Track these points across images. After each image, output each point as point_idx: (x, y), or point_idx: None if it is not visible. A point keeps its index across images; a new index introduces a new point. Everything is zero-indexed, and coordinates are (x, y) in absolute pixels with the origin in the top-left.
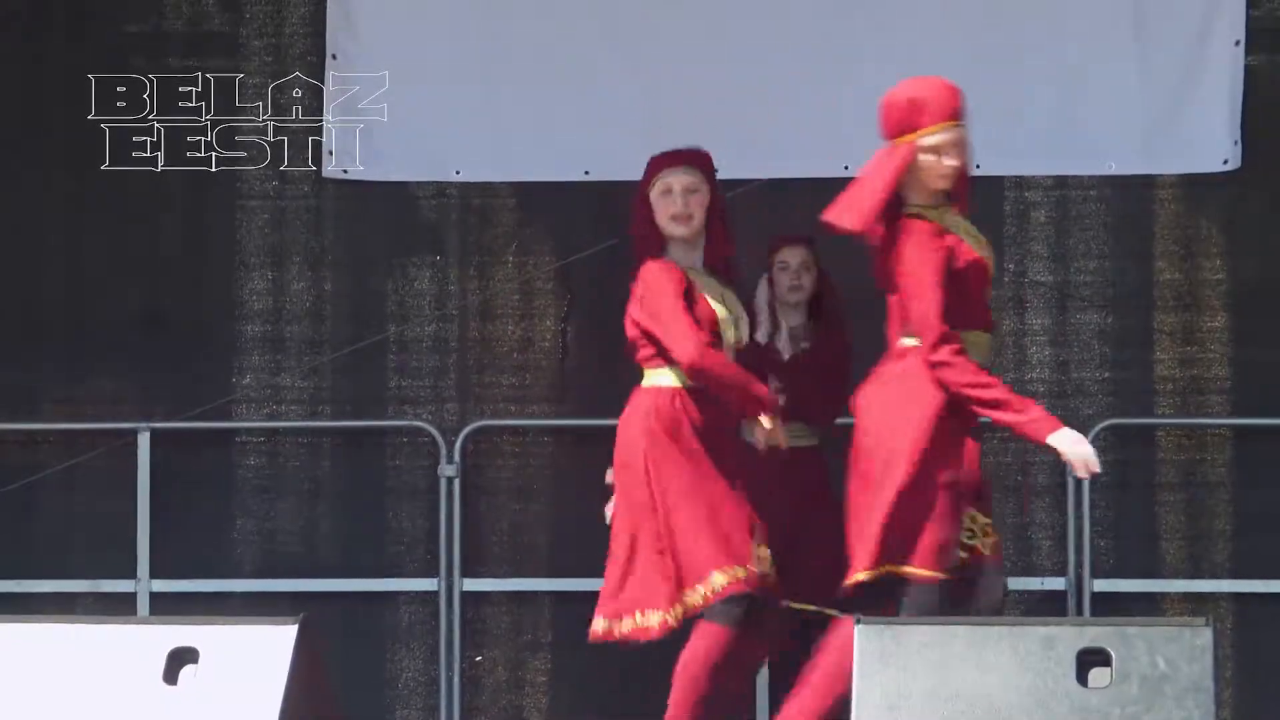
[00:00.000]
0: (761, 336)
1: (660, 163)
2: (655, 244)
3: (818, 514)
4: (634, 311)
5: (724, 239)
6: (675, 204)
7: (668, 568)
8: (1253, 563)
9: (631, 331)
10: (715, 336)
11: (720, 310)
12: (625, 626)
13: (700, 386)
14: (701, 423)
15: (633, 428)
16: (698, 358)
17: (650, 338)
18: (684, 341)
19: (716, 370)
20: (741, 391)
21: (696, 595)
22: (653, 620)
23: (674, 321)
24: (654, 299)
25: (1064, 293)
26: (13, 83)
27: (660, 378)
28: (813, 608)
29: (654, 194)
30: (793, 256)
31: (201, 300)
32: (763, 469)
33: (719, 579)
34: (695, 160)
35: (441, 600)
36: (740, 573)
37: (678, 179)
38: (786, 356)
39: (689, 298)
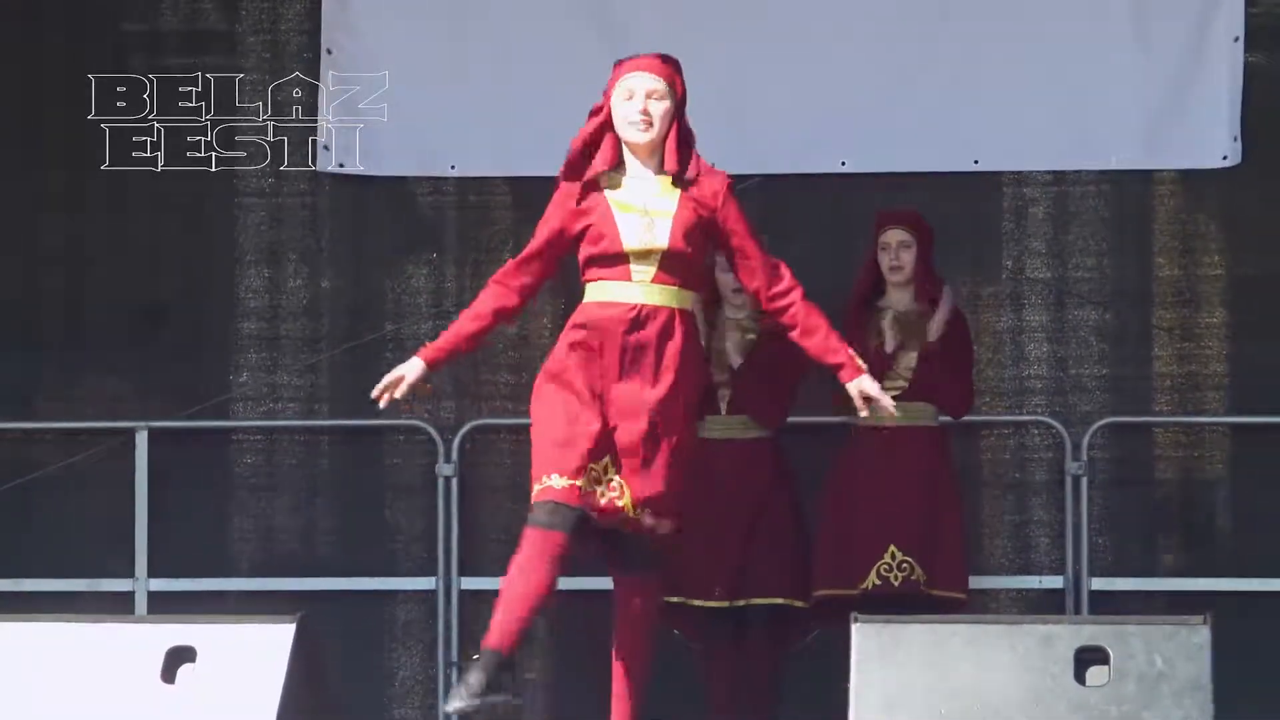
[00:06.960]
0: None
1: (625, 66)
2: (577, 166)
3: (773, 507)
4: None
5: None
6: (636, 106)
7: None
8: (1251, 561)
9: None
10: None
11: (627, 223)
12: None
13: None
14: (594, 342)
15: None
16: None
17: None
18: None
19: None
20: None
21: (534, 493)
22: None
23: None
24: None
25: (1062, 289)
26: (12, 82)
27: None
28: (778, 600)
29: (615, 98)
30: None
31: (199, 298)
32: (717, 463)
33: (542, 484)
34: (660, 69)
35: (439, 599)
36: (556, 482)
37: (641, 82)
38: (736, 362)
39: (596, 214)
